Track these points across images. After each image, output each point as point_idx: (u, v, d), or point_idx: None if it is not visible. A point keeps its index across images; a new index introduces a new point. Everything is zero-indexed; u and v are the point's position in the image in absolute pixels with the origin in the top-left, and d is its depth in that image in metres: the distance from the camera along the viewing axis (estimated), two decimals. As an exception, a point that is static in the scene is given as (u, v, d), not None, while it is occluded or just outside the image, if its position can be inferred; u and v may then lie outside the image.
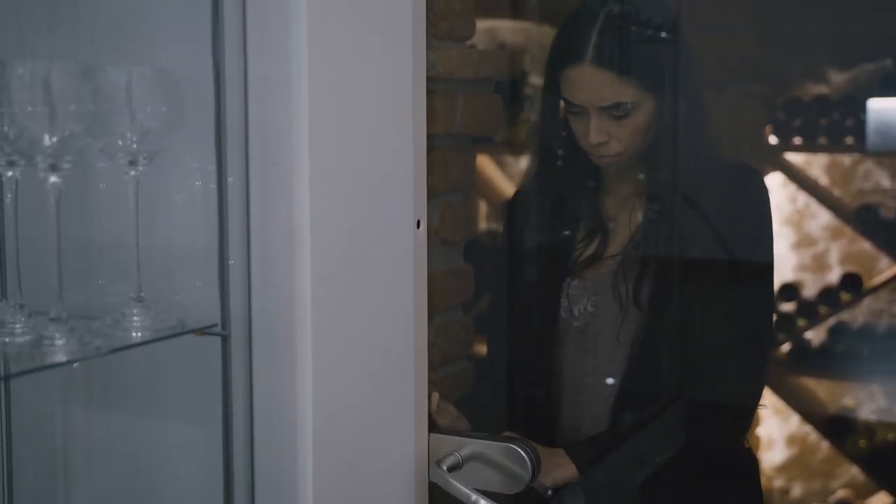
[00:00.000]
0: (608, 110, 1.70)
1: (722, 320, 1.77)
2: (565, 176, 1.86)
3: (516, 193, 1.99)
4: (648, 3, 1.84)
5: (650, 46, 1.79)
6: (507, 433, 1.64)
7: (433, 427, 1.55)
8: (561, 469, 1.67)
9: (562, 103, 1.78)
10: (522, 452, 1.49)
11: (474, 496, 1.41)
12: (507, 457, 1.49)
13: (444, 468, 1.46)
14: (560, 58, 1.75)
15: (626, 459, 1.76)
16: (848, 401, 4.24)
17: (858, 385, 4.22)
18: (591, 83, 1.69)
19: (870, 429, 4.14)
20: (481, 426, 1.79)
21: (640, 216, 1.81)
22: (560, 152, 1.84)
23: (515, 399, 1.94)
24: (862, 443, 4.06)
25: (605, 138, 1.71)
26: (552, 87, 1.77)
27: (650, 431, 1.80)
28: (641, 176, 1.82)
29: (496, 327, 1.94)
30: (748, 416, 1.83)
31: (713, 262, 1.81)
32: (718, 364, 1.77)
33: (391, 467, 1.35)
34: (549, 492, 1.63)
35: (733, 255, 1.79)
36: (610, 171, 1.82)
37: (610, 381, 1.80)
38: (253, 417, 1.21)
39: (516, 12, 4.33)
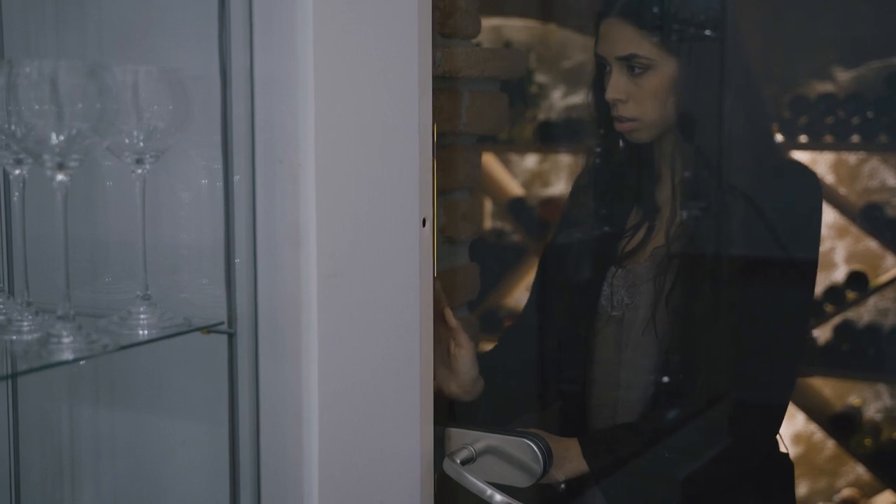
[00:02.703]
0: (625, 61, 1.71)
1: (760, 319, 1.75)
2: (617, 165, 1.86)
3: (575, 181, 2.01)
4: None
5: (680, 10, 1.80)
6: (522, 428, 1.63)
7: (448, 421, 1.58)
8: (572, 461, 1.67)
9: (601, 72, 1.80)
10: (534, 447, 1.51)
11: (489, 490, 1.43)
12: (519, 451, 1.51)
13: (458, 461, 1.48)
14: (597, 16, 1.78)
15: (639, 453, 1.75)
16: (853, 399, 4.23)
17: (864, 383, 4.21)
18: (614, 35, 1.72)
19: (875, 427, 4.13)
20: (514, 411, 1.84)
21: (685, 210, 1.80)
22: (608, 140, 1.85)
23: (549, 386, 1.94)
24: (867, 441, 4.06)
25: (621, 96, 1.73)
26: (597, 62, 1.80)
27: (672, 427, 1.79)
28: (689, 168, 1.82)
29: (537, 314, 1.94)
30: (778, 415, 1.82)
31: (757, 259, 1.79)
32: (751, 362, 1.76)
33: (397, 464, 1.36)
34: (563, 485, 1.64)
35: (779, 254, 1.78)
36: (660, 160, 1.82)
37: (641, 374, 1.80)
38: (259, 415, 1.21)
39: (522, 10, 4.33)
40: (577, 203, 1.97)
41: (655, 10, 1.73)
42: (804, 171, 1.82)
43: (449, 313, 1.65)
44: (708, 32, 1.80)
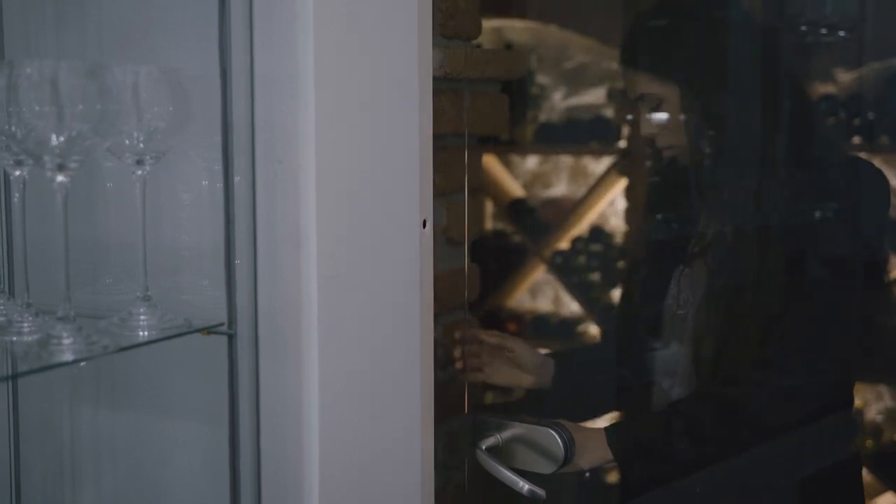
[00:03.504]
0: (641, 101, 1.83)
1: (818, 325, 1.80)
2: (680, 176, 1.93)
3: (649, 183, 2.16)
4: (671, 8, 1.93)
5: (668, 43, 1.89)
6: (547, 419, 1.71)
7: (475, 410, 1.68)
8: (596, 452, 1.72)
9: None
10: (557, 436, 1.60)
11: (512, 476, 1.55)
12: (543, 440, 1.60)
13: (485, 449, 1.59)
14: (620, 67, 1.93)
15: (663, 445, 1.80)
16: (855, 400, 4.23)
17: (865, 385, 4.21)
18: (627, 81, 1.86)
19: (877, 429, 4.13)
20: (578, 400, 1.92)
21: (739, 217, 1.86)
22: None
23: (612, 378, 2.01)
24: (868, 443, 4.05)
25: (648, 132, 1.84)
26: None
27: (698, 420, 1.84)
28: (751, 179, 1.88)
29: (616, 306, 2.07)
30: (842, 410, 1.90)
31: (821, 260, 1.84)
32: (807, 371, 1.80)
33: (398, 465, 1.36)
34: (587, 473, 1.70)
35: (851, 258, 1.84)
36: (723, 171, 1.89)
37: (695, 369, 1.84)
38: (259, 416, 1.21)
39: (523, 12, 4.33)
40: (651, 204, 2.10)
41: (647, 50, 1.86)
42: (870, 168, 1.88)
43: (483, 335, 1.81)
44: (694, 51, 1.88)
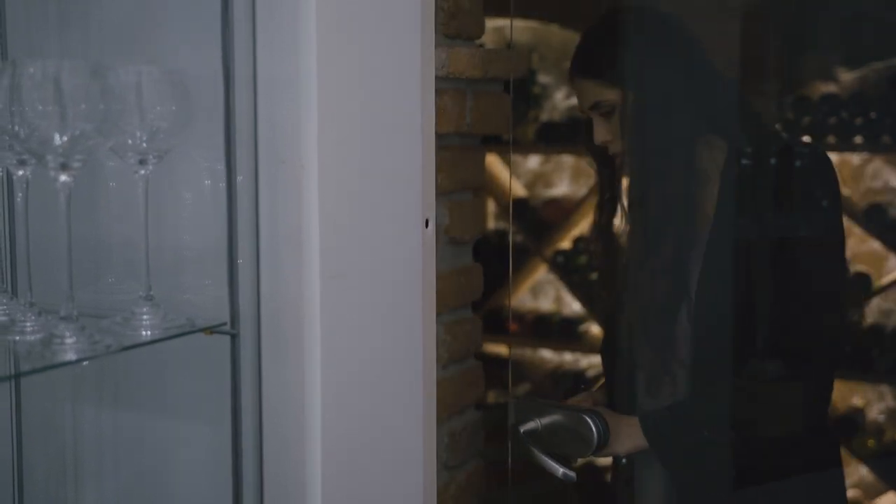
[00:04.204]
0: (595, 110, 1.90)
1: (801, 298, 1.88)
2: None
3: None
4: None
5: (613, 52, 1.98)
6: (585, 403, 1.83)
7: (516, 394, 1.79)
8: (633, 438, 1.79)
9: None
10: (591, 423, 1.71)
11: (548, 460, 1.70)
12: (579, 426, 1.72)
13: (524, 432, 1.73)
14: (569, 80, 1.99)
15: (698, 431, 1.88)
16: (856, 400, 4.23)
17: (867, 385, 4.21)
18: (580, 91, 1.92)
19: (878, 429, 4.13)
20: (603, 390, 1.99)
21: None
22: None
23: (637, 370, 2.05)
24: (870, 443, 4.05)
25: (603, 139, 1.91)
26: None
27: (731, 405, 1.92)
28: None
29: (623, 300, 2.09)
30: (821, 394, 1.94)
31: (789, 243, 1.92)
32: (794, 339, 1.89)
33: (400, 464, 1.36)
34: (623, 459, 1.80)
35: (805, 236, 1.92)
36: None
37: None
38: (262, 415, 1.21)
39: (525, 12, 4.33)
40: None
41: (599, 61, 1.93)
42: (815, 154, 1.98)
43: None
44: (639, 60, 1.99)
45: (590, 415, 1.73)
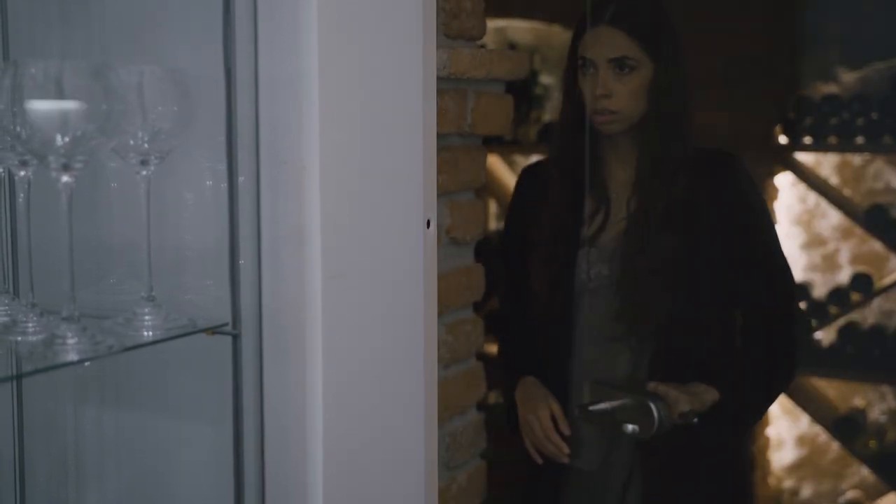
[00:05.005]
0: (615, 62, 1.97)
1: (705, 279, 2.04)
2: (574, 154, 2.09)
3: (526, 170, 2.30)
4: None
5: (658, 20, 2.04)
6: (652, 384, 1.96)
7: (589, 377, 2.00)
8: (705, 394, 1.95)
9: (578, 72, 2.06)
10: (653, 407, 1.87)
11: (611, 438, 1.99)
12: (640, 409, 1.89)
13: (591, 411, 1.94)
14: (585, 23, 2.04)
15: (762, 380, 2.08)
16: (858, 401, 4.23)
17: (868, 385, 4.21)
18: (606, 40, 1.98)
19: (880, 429, 4.13)
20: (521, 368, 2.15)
21: (636, 193, 2.05)
22: (569, 131, 2.11)
23: (538, 353, 2.17)
24: (872, 443, 4.05)
25: (608, 91, 1.97)
26: (572, 57, 2.08)
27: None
28: (636, 156, 2.06)
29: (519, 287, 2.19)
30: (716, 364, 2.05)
31: (697, 231, 2.03)
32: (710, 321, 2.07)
33: (401, 465, 1.36)
34: (696, 419, 1.93)
35: (719, 232, 2.04)
36: (610, 146, 2.07)
37: (622, 334, 2.06)
38: (263, 416, 1.21)
39: (528, 12, 4.33)
40: (532, 190, 2.22)
41: (642, 20, 2.00)
42: (728, 158, 2.08)
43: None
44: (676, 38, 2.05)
45: (652, 399, 1.88)
